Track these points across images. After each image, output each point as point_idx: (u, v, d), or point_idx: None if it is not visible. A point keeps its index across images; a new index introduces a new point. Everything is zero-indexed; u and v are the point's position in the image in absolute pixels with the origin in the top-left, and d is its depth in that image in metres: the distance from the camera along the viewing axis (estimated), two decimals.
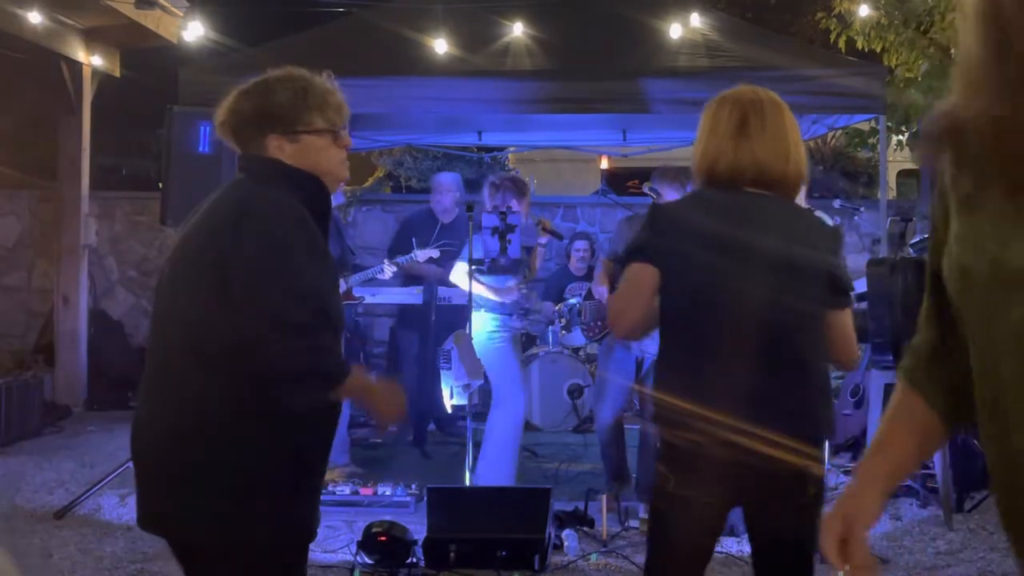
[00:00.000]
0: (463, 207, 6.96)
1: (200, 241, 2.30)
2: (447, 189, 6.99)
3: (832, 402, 2.72)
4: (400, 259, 6.14)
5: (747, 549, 4.86)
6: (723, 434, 2.44)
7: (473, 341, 5.37)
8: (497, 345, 5.59)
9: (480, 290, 5.53)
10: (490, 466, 5.52)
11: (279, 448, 2.26)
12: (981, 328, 1.34)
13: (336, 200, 6.17)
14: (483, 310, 5.57)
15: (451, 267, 5.83)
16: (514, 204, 5.46)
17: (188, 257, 2.32)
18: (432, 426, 7.50)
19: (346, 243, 6.33)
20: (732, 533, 5.10)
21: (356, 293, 6.14)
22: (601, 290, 5.65)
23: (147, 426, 2.36)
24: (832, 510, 1.56)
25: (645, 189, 5.52)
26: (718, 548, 4.91)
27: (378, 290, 6.51)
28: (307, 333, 2.21)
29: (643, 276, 2.60)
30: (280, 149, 2.37)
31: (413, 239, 6.31)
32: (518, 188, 5.62)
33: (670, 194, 5.46)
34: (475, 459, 5.41)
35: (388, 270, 6.08)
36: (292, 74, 2.44)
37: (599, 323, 5.79)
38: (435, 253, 6.16)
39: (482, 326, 5.56)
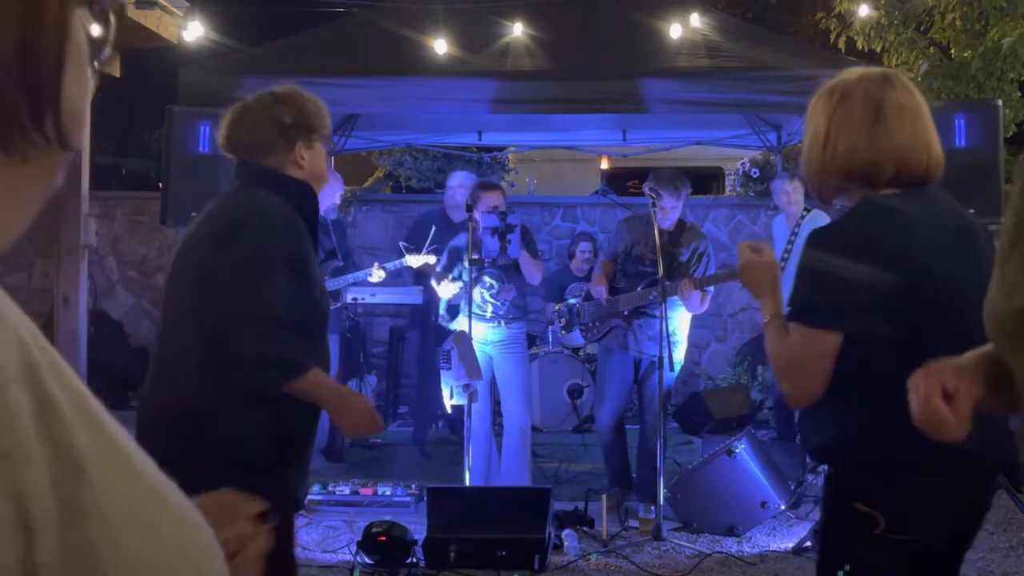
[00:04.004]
0: None
1: (197, 243, 2.63)
2: (459, 183, 6.90)
3: None
4: (388, 265, 6.08)
5: (747, 549, 4.90)
6: (962, 470, 2.15)
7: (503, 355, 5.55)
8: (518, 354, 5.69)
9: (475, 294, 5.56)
10: (512, 471, 5.59)
11: (259, 425, 2.50)
12: None
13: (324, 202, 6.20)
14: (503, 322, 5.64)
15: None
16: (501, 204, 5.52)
17: (188, 257, 2.64)
18: (441, 424, 7.49)
19: (333, 246, 6.25)
20: (732, 533, 5.10)
21: (352, 293, 6.12)
22: (599, 290, 5.66)
23: (145, 410, 2.63)
24: (932, 376, 1.57)
25: (645, 189, 5.51)
26: (718, 548, 4.93)
27: (378, 290, 6.49)
28: (268, 326, 2.46)
29: (826, 346, 2.15)
30: (300, 155, 2.67)
31: (401, 243, 6.23)
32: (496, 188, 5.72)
33: (668, 196, 5.46)
34: (473, 457, 5.41)
35: (376, 274, 5.99)
36: (299, 89, 2.75)
37: (597, 323, 5.79)
38: (431, 259, 6.09)
39: (503, 336, 5.65)
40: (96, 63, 0.62)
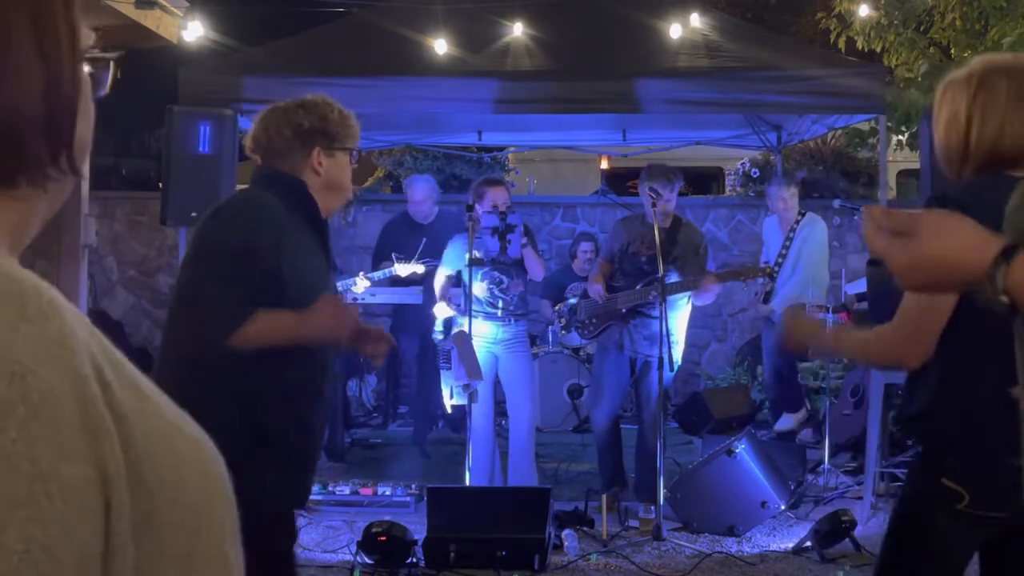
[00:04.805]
0: (446, 206, 6.90)
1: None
2: (425, 196, 6.83)
3: None
4: (373, 275, 6.02)
5: (747, 549, 4.90)
6: None
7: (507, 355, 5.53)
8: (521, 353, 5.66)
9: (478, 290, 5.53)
10: (521, 468, 5.59)
11: (236, 428, 2.45)
12: None
13: None
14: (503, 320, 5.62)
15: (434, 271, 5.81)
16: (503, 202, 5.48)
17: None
18: (440, 424, 7.49)
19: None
20: (732, 533, 5.10)
21: (351, 294, 6.11)
22: (596, 288, 5.65)
23: None
24: None
25: (644, 190, 5.51)
26: (718, 548, 4.93)
27: (377, 290, 6.48)
28: (209, 294, 2.49)
29: (944, 303, 2.12)
30: (318, 162, 2.67)
31: (392, 254, 6.14)
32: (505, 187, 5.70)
33: (662, 189, 5.46)
34: (474, 457, 5.40)
35: (361, 284, 5.95)
36: (328, 99, 2.76)
37: (594, 321, 5.78)
38: (419, 268, 6.03)
39: (504, 334, 5.60)
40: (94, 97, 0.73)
